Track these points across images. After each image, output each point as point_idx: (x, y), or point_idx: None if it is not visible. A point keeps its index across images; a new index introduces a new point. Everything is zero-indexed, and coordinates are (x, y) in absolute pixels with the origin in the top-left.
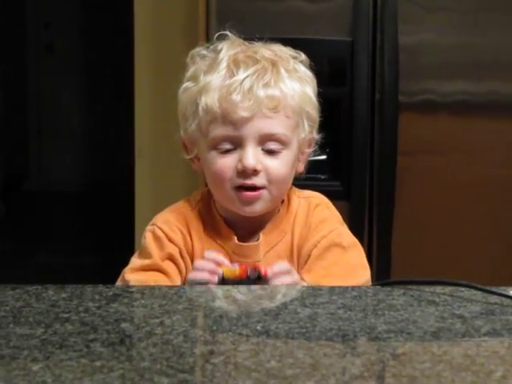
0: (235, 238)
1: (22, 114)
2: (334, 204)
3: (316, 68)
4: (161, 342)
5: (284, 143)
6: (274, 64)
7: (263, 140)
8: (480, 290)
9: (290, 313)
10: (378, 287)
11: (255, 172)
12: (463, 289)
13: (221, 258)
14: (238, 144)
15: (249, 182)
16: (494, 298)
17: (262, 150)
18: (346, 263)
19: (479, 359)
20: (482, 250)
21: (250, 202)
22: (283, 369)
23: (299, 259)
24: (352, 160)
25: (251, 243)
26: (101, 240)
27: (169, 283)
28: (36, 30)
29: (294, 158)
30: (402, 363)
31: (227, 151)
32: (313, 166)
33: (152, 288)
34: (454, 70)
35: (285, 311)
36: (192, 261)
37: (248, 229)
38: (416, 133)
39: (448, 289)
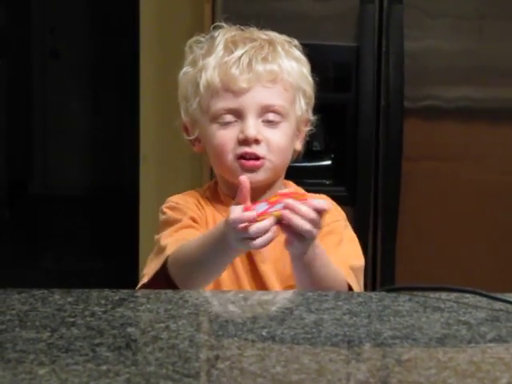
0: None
1: (28, 118)
2: None
3: (321, 73)
4: (166, 346)
5: (282, 115)
6: (270, 43)
7: (263, 111)
8: (485, 296)
9: (295, 318)
10: (384, 293)
11: (256, 141)
12: (468, 295)
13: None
14: (238, 116)
15: (250, 150)
16: (499, 305)
17: (262, 121)
18: (342, 252)
19: (484, 366)
20: (487, 256)
21: (251, 170)
22: (289, 374)
23: None
24: (357, 165)
25: None
26: (105, 244)
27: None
28: (41, 35)
29: (293, 131)
30: (408, 369)
31: (228, 123)
32: (318, 172)
33: (158, 293)
34: (459, 75)
35: (290, 317)
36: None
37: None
38: (421, 138)
39: (453, 295)
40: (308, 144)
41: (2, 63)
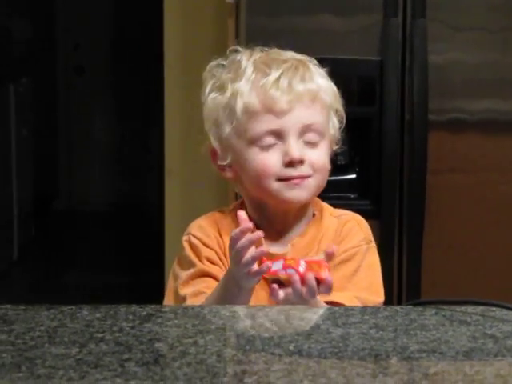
0: (264, 243)
1: (52, 135)
2: None
3: (345, 87)
4: (194, 361)
5: (321, 134)
6: (301, 62)
7: (303, 131)
8: (511, 309)
9: (322, 333)
10: (410, 307)
11: (301, 162)
12: (495, 308)
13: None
14: (279, 137)
15: (296, 173)
16: None
17: (303, 142)
18: (355, 283)
19: (511, 379)
20: None
21: (296, 187)
22: None
23: None
24: (381, 179)
25: (279, 251)
26: (131, 259)
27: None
28: (65, 52)
29: (329, 150)
30: (434, 383)
31: (269, 146)
32: (342, 185)
33: (185, 308)
34: (483, 88)
35: (317, 331)
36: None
37: (275, 235)
38: (445, 151)
39: (479, 308)
40: (333, 158)
41: (27, 80)
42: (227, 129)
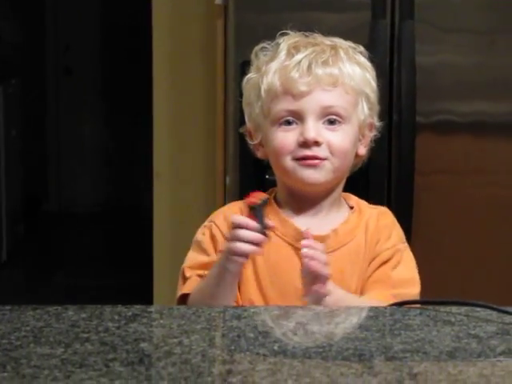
0: (294, 224)
1: (41, 135)
2: None
3: None
4: (179, 361)
5: (343, 117)
6: (333, 47)
7: (323, 113)
8: (495, 310)
9: (306, 333)
10: (395, 307)
11: (317, 143)
12: (479, 309)
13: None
14: (298, 118)
15: (310, 153)
16: (509, 318)
17: (323, 124)
18: (394, 278)
19: (494, 379)
20: (499, 270)
21: (311, 167)
22: None
23: (370, 255)
24: (369, 180)
25: (319, 234)
26: (119, 260)
27: None
28: (55, 53)
29: (355, 135)
30: (418, 383)
31: (289, 126)
32: None
33: (170, 308)
34: (472, 90)
35: (301, 331)
36: None
37: (311, 219)
38: (433, 153)
39: (464, 309)
40: (370, 145)
41: (17, 81)
42: (256, 109)
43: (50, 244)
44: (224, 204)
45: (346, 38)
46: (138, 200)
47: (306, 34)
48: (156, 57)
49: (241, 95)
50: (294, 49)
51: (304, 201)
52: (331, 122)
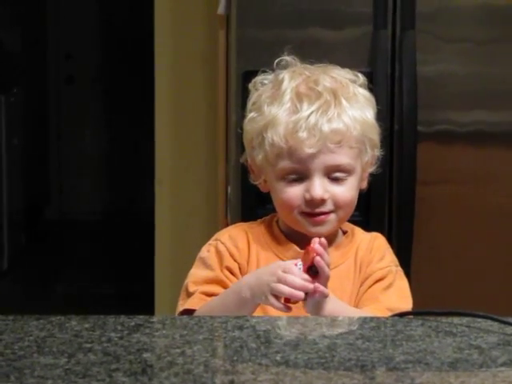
0: (295, 246)
1: (43, 144)
2: None
3: None
4: (182, 371)
5: (349, 171)
6: (335, 95)
7: (329, 171)
8: (497, 320)
9: (309, 343)
10: (396, 318)
11: (322, 201)
12: (480, 320)
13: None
14: (304, 175)
15: (317, 210)
16: (510, 329)
17: (328, 178)
18: (389, 293)
19: None
20: (500, 280)
21: (317, 224)
22: None
23: (361, 277)
24: (371, 190)
25: None
26: (121, 269)
27: None
28: (57, 61)
29: (358, 181)
30: None
31: (294, 181)
32: None
33: (173, 318)
34: (472, 99)
35: (304, 341)
36: None
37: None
38: (435, 163)
39: (465, 320)
40: (368, 178)
41: (18, 90)
42: (260, 156)
43: (52, 252)
44: (226, 212)
45: (348, 49)
46: (140, 208)
47: (306, 66)
48: (158, 66)
49: (243, 107)
50: (298, 98)
51: (303, 235)
52: (337, 177)
